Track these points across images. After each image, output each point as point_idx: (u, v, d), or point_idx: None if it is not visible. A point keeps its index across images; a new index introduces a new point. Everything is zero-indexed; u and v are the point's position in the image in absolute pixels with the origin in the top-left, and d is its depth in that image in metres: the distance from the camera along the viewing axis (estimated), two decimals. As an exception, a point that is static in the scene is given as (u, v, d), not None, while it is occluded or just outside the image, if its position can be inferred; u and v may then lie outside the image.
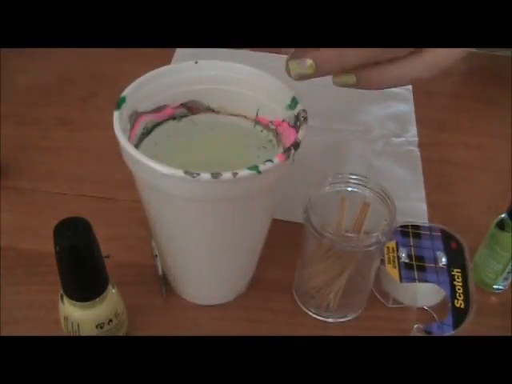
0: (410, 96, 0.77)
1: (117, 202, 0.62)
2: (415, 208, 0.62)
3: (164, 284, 0.54)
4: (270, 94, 0.47)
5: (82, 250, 0.41)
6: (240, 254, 0.49)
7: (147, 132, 0.48)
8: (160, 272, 0.54)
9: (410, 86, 0.79)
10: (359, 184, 0.50)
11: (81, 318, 0.44)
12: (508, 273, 0.53)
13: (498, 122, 0.75)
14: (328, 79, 0.80)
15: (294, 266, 0.54)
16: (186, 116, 0.50)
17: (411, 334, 0.49)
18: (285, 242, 0.55)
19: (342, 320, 0.53)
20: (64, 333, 0.46)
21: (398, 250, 0.54)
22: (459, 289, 0.51)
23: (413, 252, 0.54)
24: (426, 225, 0.57)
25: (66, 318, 0.45)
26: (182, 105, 0.49)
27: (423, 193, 0.64)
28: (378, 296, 0.54)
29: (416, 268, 0.52)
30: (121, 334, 0.47)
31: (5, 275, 0.54)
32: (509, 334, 0.52)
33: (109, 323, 0.45)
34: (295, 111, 0.45)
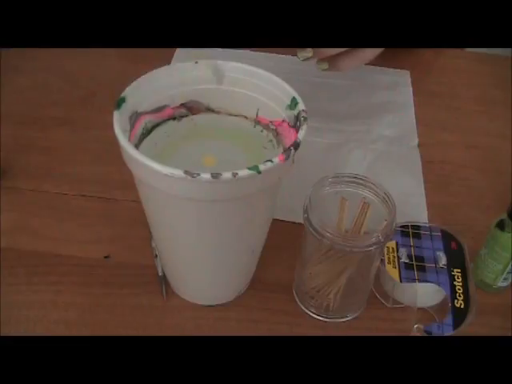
0: (410, 96, 0.77)
1: (117, 201, 0.62)
2: (415, 208, 0.62)
3: (164, 284, 0.54)
4: (270, 94, 0.47)
5: None
6: (240, 253, 0.49)
7: (147, 132, 0.48)
8: (160, 272, 0.54)
9: (410, 87, 0.79)
10: (359, 184, 0.50)
11: None
12: (508, 273, 0.53)
13: (498, 122, 0.75)
14: (328, 80, 0.80)
15: (293, 266, 0.54)
16: (186, 116, 0.50)
17: (411, 334, 0.49)
18: (285, 242, 0.56)
19: (341, 320, 0.53)
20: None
21: (397, 250, 0.54)
22: (459, 289, 0.51)
23: (413, 252, 0.54)
24: (426, 225, 0.57)
25: None
26: (182, 105, 0.49)
27: (423, 193, 0.64)
28: (378, 296, 0.54)
29: (416, 268, 0.52)
30: None
31: (5, 275, 0.54)
32: (509, 334, 0.52)
33: None
34: (295, 111, 0.45)
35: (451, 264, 0.53)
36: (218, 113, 0.50)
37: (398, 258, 0.53)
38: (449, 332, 0.49)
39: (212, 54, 0.52)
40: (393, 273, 0.52)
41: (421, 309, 0.53)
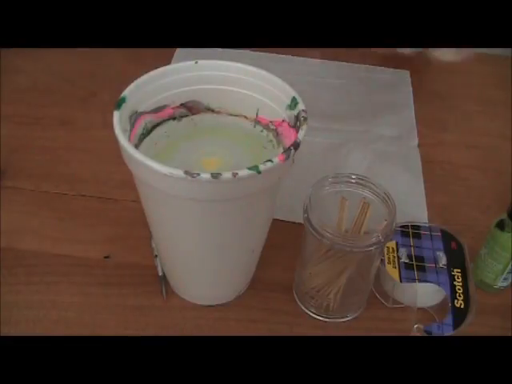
0: (410, 96, 0.77)
1: (117, 202, 0.62)
2: (415, 208, 0.62)
3: (164, 284, 0.54)
4: (270, 93, 0.47)
5: None
6: (240, 253, 0.49)
7: (147, 132, 0.48)
8: (160, 272, 0.54)
9: (410, 87, 0.79)
10: (359, 184, 0.50)
11: None
12: (508, 273, 0.53)
13: (498, 121, 0.75)
14: (328, 80, 0.80)
15: (293, 266, 0.54)
16: (186, 116, 0.50)
17: (411, 334, 0.49)
18: (285, 242, 0.56)
19: (341, 320, 0.53)
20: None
21: (397, 250, 0.54)
22: (459, 289, 0.51)
23: (413, 252, 0.54)
24: (426, 225, 0.57)
25: None
26: (182, 105, 0.49)
27: (423, 193, 0.64)
28: (378, 296, 0.54)
29: (416, 268, 0.52)
30: None
31: (5, 275, 0.54)
32: (509, 334, 0.52)
33: None
34: (295, 111, 0.45)
35: (451, 264, 0.53)
36: (217, 113, 0.50)
37: (398, 257, 0.53)
38: (449, 332, 0.48)
39: (212, 53, 0.52)
40: (393, 273, 0.52)
41: (421, 309, 0.53)
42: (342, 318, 0.53)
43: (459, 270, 0.52)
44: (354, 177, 0.50)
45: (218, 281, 0.52)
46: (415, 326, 0.49)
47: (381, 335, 0.51)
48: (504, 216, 0.51)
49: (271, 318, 0.53)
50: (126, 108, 0.44)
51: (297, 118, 0.44)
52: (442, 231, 0.56)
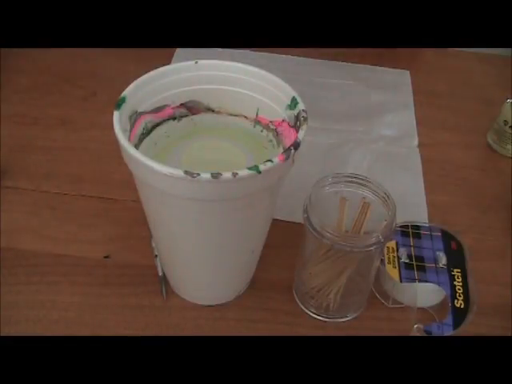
0: (410, 96, 0.77)
1: (117, 202, 0.62)
2: (415, 208, 0.62)
3: (164, 284, 0.54)
4: (270, 93, 0.47)
5: None
6: (240, 253, 0.49)
7: (147, 132, 0.48)
8: (160, 272, 0.54)
9: (410, 87, 0.79)
10: (359, 184, 0.50)
11: None
12: None
13: (498, 122, 0.75)
14: (328, 80, 0.80)
15: (293, 266, 0.54)
16: (186, 116, 0.50)
17: (411, 334, 0.49)
18: (285, 242, 0.56)
19: (342, 320, 0.53)
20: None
21: (397, 250, 0.54)
22: (459, 289, 0.51)
23: (413, 252, 0.54)
24: (426, 225, 0.57)
25: None
26: (182, 105, 0.49)
27: (423, 193, 0.64)
28: (378, 296, 0.54)
29: (416, 268, 0.52)
30: None
31: (5, 275, 0.54)
32: (509, 334, 0.52)
33: None
34: (295, 111, 0.45)
35: (451, 264, 0.53)
36: (218, 113, 0.50)
37: (398, 257, 0.53)
38: (449, 332, 0.48)
39: (212, 53, 0.52)
40: (393, 273, 0.52)
41: (421, 309, 0.53)
42: (342, 318, 0.53)
43: (459, 270, 0.52)
44: (353, 177, 0.50)
45: (218, 281, 0.52)
46: (415, 326, 0.49)
47: (381, 335, 0.51)
48: None
49: (271, 318, 0.53)
50: (126, 108, 0.44)
51: (297, 117, 0.44)
52: (442, 231, 0.56)
